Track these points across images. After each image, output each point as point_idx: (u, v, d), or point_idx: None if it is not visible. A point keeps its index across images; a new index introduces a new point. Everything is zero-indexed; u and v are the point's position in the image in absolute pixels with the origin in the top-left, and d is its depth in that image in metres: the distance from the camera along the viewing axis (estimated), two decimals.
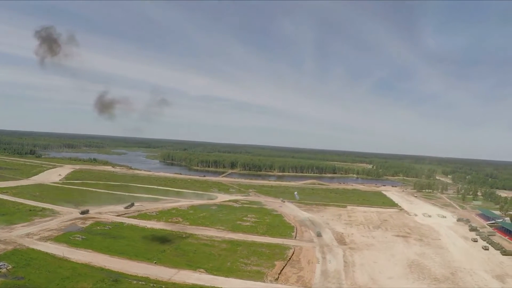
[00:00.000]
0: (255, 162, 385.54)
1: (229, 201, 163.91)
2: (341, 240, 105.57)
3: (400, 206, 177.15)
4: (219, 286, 64.66)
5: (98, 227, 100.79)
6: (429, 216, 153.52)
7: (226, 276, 69.92)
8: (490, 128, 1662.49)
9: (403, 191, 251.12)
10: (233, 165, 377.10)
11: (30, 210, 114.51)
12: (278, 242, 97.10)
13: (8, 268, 65.44)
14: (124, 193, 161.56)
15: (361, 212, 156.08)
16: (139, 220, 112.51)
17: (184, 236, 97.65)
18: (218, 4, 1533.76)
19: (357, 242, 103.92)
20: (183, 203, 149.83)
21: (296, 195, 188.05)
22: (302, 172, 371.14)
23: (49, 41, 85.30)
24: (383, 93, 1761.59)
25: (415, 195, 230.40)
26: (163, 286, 62.93)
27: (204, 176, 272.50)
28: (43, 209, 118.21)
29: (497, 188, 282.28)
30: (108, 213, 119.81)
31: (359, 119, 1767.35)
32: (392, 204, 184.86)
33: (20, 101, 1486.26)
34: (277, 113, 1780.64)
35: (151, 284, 63.21)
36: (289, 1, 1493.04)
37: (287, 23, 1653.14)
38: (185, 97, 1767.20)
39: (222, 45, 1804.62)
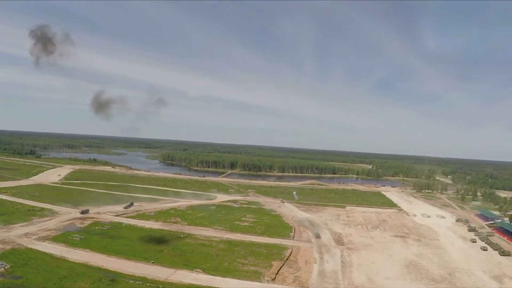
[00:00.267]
0: (254, 163, 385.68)
1: (228, 201, 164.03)
2: (339, 240, 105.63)
3: (399, 207, 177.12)
4: (216, 286, 64.79)
5: (97, 227, 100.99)
6: (428, 216, 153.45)
7: (223, 276, 70.06)
8: (490, 128, 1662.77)
9: (402, 191, 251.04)
10: (232, 166, 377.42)
11: (29, 210, 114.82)
12: (276, 242, 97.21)
13: (6, 267, 65.67)
14: (123, 193, 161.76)
15: (359, 212, 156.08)
16: (137, 220, 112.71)
17: (182, 236, 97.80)
18: (218, 4, 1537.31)
19: (355, 243, 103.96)
20: (182, 203, 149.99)
21: (295, 195, 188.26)
22: (302, 173, 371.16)
23: (44, 40, 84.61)
24: (383, 93, 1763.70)
25: (415, 195, 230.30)
26: (160, 286, 63.08)
27: (204, 176, 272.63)
28: (42, 209, 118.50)
29: (497, 188, 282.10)
30: (107, 213, 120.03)
31: (359, 119, 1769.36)
32: (391, 204, 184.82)
33: (20, 101, 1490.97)
34: (277, 113, 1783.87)
35: (148, 284, 63.35)
36: (289, 1, 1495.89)
37: (287, 23, 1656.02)
38: (185, 97, 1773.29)
39: (222, 45, 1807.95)
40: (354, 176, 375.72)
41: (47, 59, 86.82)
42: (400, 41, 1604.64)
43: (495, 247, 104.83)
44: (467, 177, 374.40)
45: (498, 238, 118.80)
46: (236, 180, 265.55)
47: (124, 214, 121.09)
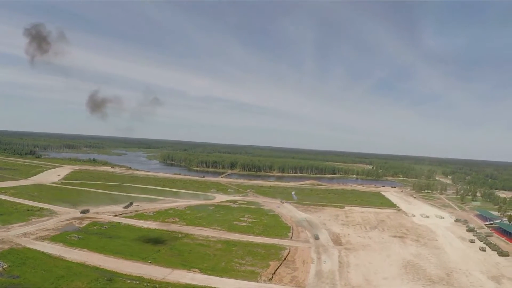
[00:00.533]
0: (254, 163, 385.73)
1: (227, 201, 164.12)
2: (337, 240, 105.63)
3: (398, 207, 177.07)
4: (213, 286, 64.86)
5: (95, 227, 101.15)
6: (427, 216, 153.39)
7: (220, 276, 70.13)
8: (490, 128, 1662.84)
9: (402, 191, 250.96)
10: (232, 166, 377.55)
11: (28, 210, 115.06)
12: (274, 243, 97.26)
13: (4, 267, 65.96)
14: (122, 194, 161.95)
15: (358, 212, 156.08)
16: (135, 220, 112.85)
17: (180, 236, 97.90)
18: (218, 4, 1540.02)
19: (353, 243, 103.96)
20: (181, 203, 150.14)
21: (294, 195, 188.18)
22: (302, 173, 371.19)
23: (38, 39, 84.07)
24: (383, 94, 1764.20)
25: (414, 195, 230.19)
26: (157, 286, 63.19)
27: (203, 176, 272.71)
28: (41, 209, 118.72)
29: (497, 188, 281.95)
30: (106, 213, 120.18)
31: (359, 120, 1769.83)
32: (390, 204, 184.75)
33: (20, 101, 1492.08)
34: (277, 113, 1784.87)
35: (145, 284, 63.48)
36: (289, 1, 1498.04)
37: (287, 23, 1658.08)
38: (185, 97, 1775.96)
39: (222, 45, 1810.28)
40: (354, 176, 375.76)
41: (42, 58, 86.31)
42: (400, 41, 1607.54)
43: (494, 247, 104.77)
44: (467, 178, 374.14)
45: (496, 239, 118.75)
46: (235, 180, 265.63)
47: (122, 214, 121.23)
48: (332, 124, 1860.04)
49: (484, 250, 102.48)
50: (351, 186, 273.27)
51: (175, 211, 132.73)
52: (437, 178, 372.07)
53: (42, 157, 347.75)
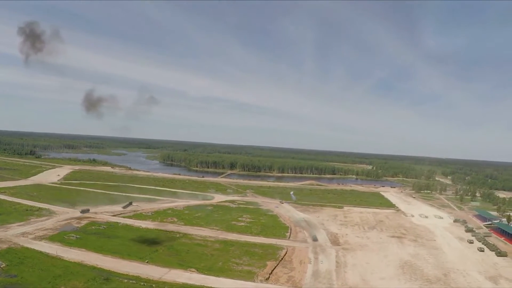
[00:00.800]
0: (254, 163, 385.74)
1: (226, 201, 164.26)
2: (335, 240, 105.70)
3: (397, 207, 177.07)
4: (210, 286, 64.99)
5: (93, 227, 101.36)
6: (426, 217, 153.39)
7: (217, 276, 70.24)
8: (490, 128, 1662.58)
9: (401, 192, 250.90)
10: (232, 166, 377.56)
11: (27, 210, 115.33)
12: (272, 243, 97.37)
13: (1, 266, 66.25)
14: (121, 194, 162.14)
15: (357, 213, 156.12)
16: (134, 220, 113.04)
17: (178, 236, 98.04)
18: (218, 4, 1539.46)
19: (351, 243, 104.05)
20: (179, 203, 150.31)
21: (292, 195, 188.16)
22: (302, 173, 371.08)
23: (32, 38, 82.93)
24: (383, 94, 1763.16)
25: (414, 196, 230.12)
26: (154, 285, 63.34)
27: (203, 176, 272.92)
28: (40, 209, 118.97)
29: (497, 189, 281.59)
30: (104, 213, 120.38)
31: (359, 120, 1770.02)
32: (389, 205, 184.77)
33: (20, 101, 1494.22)
34: (277, 113, 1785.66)
35: (142, 283, 63.65)
36: (289, 1, 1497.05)
37: (287, 23, 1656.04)
38: (185, 97, 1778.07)
39: (222, 45, 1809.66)
40: (354, 176, 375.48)
41: (36, 56, 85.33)
42: (400, 41, 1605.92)
43: (492, 247, 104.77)
44: (466, 178, 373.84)
45: (495, 239, 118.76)
46: (235, 180, 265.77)
47: (121, 214, 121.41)
48: (332, 124, 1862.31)
49: (482, 251, 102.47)
50: (350, 186, 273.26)
51: (173, 211, 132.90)
52: (437, 179, 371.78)
53: (42, 157, 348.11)
